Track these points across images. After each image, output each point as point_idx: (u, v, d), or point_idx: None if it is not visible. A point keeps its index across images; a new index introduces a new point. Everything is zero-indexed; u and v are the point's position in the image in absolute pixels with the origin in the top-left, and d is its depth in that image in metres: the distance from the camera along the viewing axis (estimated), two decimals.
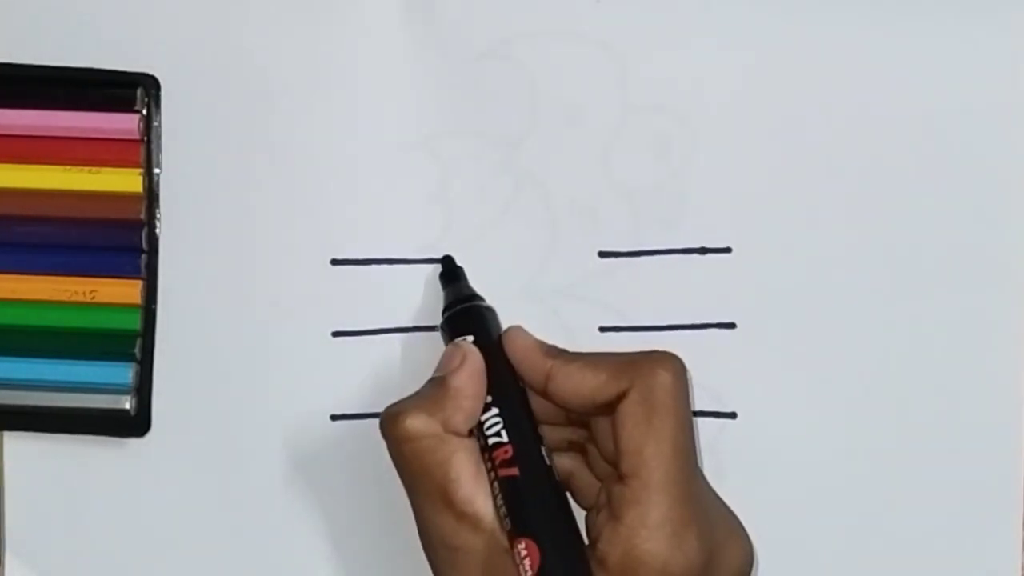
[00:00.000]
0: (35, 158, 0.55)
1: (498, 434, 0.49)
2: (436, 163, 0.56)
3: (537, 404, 0.51)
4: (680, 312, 0.56)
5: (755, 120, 0.55)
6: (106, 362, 0.56)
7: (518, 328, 0.52)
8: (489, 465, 0.49)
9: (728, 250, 0.55)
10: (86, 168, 0.55)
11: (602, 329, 0.56)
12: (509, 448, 0.48)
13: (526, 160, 0.56)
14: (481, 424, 0.49)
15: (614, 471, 0.48)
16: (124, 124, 0.55)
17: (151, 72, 0.55)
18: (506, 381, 0.50)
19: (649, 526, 0.46)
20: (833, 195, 0.55)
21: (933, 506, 0.55)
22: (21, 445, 0.56)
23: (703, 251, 0.56)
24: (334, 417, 0.56)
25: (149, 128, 0.56)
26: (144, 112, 0.55)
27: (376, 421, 0.55)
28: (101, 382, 0.56)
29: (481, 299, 0.53)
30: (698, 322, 0.56)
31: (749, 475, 0.55)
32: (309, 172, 0.56)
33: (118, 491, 0.56)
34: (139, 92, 0.55)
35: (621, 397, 0.48)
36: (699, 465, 0.50)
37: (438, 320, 0.54)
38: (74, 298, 0.56)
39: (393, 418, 0.49)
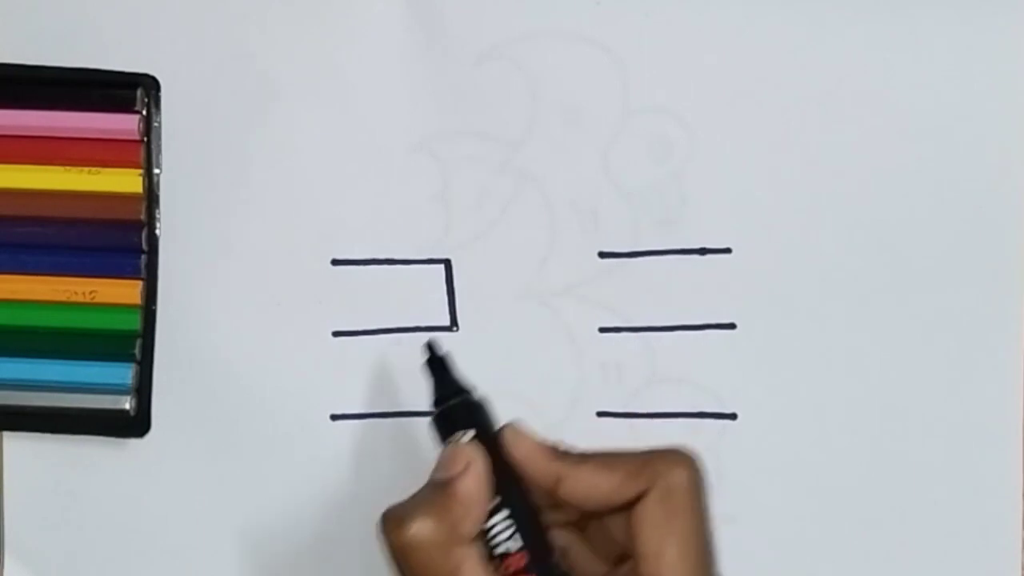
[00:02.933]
0: (35, 158, 0.55)
1: (510, 538, 0.45)
2: (436, 163, 0.56)
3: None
4: (680, 312, 0.56)
5: (755, 120, 0.55)
6: (106, 362, 0.56)
7: (516, 427, 0.47)
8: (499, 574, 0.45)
9: (728, 250, 0.55)
10: (86, 168, 0.55)
11: (602, 330, 0.56)
12: (523, 556, 0.45)
13: (526, 160, 0.56)
14: (486, 529, 0.45)
15: (615, 548, 0.47)
16: (124, 124, 0.55)
17: (151, 72, 0.55)
18: (511, 482, 0.46)
19: None
20: (833, 195, 0.55)
21: (933, 506, 0.55)
22: (21, 445, 0.57)
23: (703, 251, 0.56)
24: (334, 417, 0.56)
25: (149, 128, 0.55)
26: (144, 112, 0.55)
27: (376, 421, 0.56)
28: (101, 382, 0.55)
29: (472, 390, 0.48)
30: (698, 322, 0.56)
31: (749, 476, 0.55)
32: (309, 172, 0.56)
33: (118, 491, 0.56)
34: (139, 92, 0.55)
35: (640, 497, 0.46)
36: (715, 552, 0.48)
37: (438, 320, 0.54)
38: (74, 298, 0.56)
39: (397, 522, 0.44)
